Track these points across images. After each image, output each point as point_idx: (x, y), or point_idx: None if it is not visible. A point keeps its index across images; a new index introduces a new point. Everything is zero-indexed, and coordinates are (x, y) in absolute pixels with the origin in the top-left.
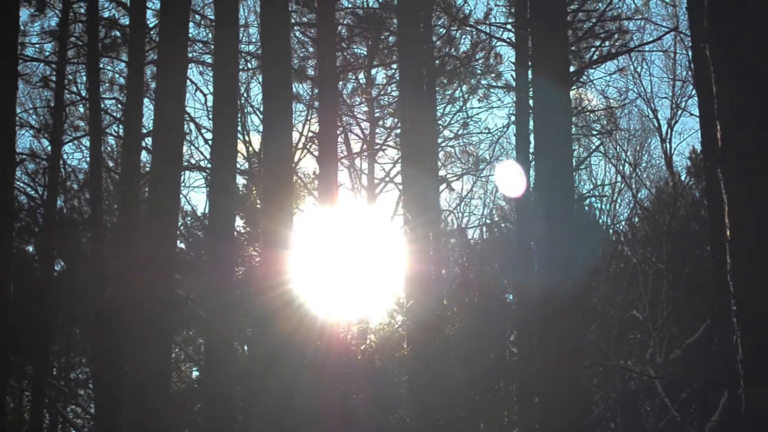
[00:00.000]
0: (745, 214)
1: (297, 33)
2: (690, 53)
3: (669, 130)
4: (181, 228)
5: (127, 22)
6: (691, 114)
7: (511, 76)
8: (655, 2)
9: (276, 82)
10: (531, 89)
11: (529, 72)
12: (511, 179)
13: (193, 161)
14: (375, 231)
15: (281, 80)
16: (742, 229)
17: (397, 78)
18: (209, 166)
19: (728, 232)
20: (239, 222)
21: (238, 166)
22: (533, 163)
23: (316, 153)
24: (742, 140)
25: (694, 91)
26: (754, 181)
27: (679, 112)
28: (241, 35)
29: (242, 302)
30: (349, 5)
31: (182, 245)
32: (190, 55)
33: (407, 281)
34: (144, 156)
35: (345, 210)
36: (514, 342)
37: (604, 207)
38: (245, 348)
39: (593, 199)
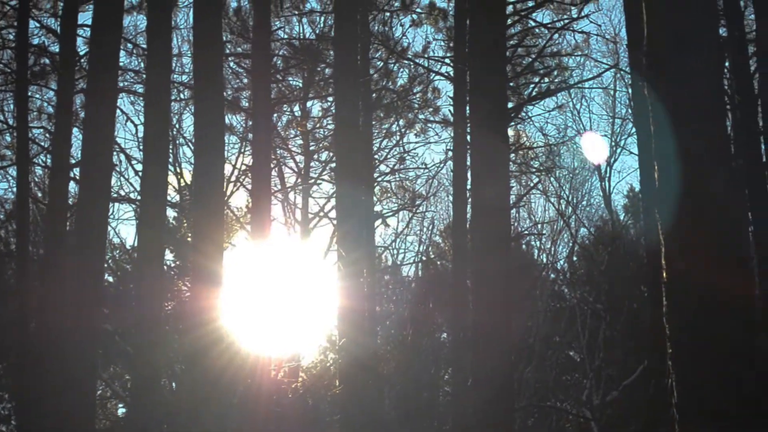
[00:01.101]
0: (680, 257)
1: (231, 63)
2: (630, 91)
3: (608, 169)
4: (109, 261)
5: (57, 50)
6: (630, 152)
7: (449, 110)
8: (596, 39)
9: (208, 114)
10: (469, 124)
11: (467, 107)
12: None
13: (122, 193)
14: (308, 266)
15: (214, 111)
16: (677, 271)
17: (333, 111)
18: (139, 198)
19: (664, 274)
20: (169, 256)
21: (168, 198)
22: (470, 199)
23: (249, 186)
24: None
25: (633, 129)
26: (690, 224)
27: (619, 150)
28: (174, 65)
29: (171, 338)
30: (285, 36)
31: (110, 279)
32: (121, 84)
33: (340, 318)
34: (72, 187)
35: (278, 245)
36: (448, 381)
37: (542, 245)
38: (173, 385)
39: (532, 237)
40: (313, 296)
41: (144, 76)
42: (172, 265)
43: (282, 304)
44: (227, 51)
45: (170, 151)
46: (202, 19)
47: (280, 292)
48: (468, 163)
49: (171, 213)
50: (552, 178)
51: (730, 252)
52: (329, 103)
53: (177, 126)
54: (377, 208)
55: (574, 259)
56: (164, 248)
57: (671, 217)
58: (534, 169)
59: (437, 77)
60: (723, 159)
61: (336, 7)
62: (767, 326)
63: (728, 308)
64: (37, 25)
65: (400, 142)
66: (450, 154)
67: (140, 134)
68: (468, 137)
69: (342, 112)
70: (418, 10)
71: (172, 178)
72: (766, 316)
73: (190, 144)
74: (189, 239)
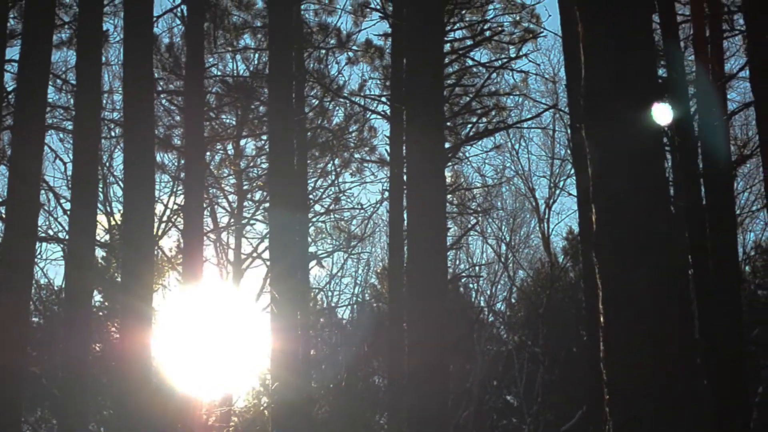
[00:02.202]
0: (618, 302)
1: (163, 101)
2: (569, 131)
3: (547, 210)
4: (36, 302)
5: None
6: (569, 194)
7: (386, 150)
8: (535, 78)
9: (138, 151)
10: (405, 164)
11: (404, 147)
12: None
13: (50, 232)
14: (241, 308)
15: (144, 149)
16: (614, 317)
17: (267, 149)
18: (67, 237)
19: (602, 319)
20: (98, 296)
21: (98, 238)
22: (406, 241)
23: (181, 226)
24: (617, 227)
25: (572, 170)
26: (628, 269)
27: (558, 192)
28: (104, 102)
29: (99, 381)
30: (219, 73)
31: (37, 320)
32: (49, 121)
33: (273, 361)
34: None
35: (210, 286)
36: (384, 426)
37: (480, 287)
38: (102, 430)
39: (470, 279)
40: (246, 338)
41: (73, 112)
42: (101, 306)
43: (214, 346)
44: (159, 88)
45: (100, 189)
46: (133, 55)
47: (212, 333)
48: (404, 203)
49: (100, 253)
50: (490, 219)
51: (669, 296)
52: (263, 142)
53: (107, 164)
54: (312, 248)
55: (513, 301)
56: (93, 289)
57: (609, 261)
58: (471, 210)
59: (374, 116)
60: (661, 201)
61: (270, 44)
62: (708, 370)
63: (665, 353)
64: None
65: (336, 182)
66: (386, 194)
67: (69, 172)
68: (405, 177)
69: (276, 151)
70: (355, 47)
71: (101, 218)
72: (707, 359)
73: (120, 182)
74: (118, 280)
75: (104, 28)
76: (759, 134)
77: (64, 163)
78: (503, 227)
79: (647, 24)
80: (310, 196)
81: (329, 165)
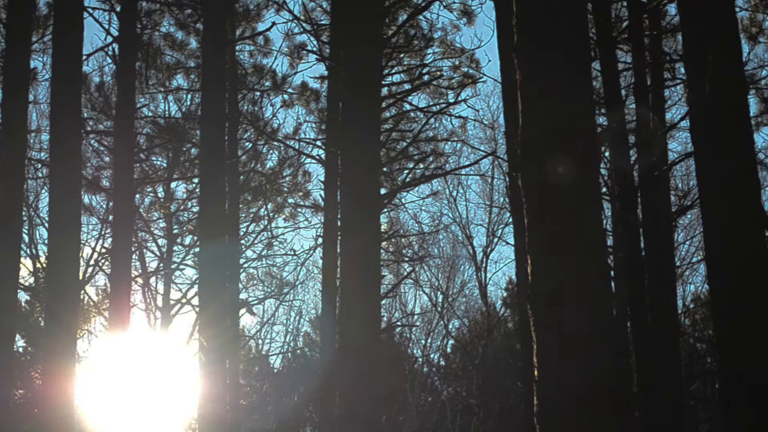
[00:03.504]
0: (552, 356)
1: (92, 141)
2: (507, 179)
3: (484, 259)
4: None
5: None
6: (507, 243)
7: (320, 195)
8: (474, 124)
9: (65, 193)
10: (340, 210)
11: (339, 192)
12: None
13: None
14: (169, 355)
15: (71, 190)
16: (548, 370)
17: (198, 193)
18: None
19: (536, 372)
20: (20, 341)
21: (21, 281)
22: (339, 288)
23: (108, 270)
24: (552, 279)
25: (510, 219)
26: (562, 323)
27: (496, 240)
28: (31, 141)
29: (20, 429)
30: (150, 114)
31: None
32: None
33: (201, 410)
34: None
35: (137, 332)
36: None
37: (415, 337)
38: None
39: (404, 328)
40: (174, 385)
41: None
42: (24, 351)
43: (141, 394)
44: (88, 128)
45: (25, 231)
46: (61, 94)
47: (139, 381)
48: (338, 250)
49: (23, 296)
50: (426, 267)
51: (606, 350)
52: (194, 185)
53: (33, 205)
54: (243, 295)
55: (448, 351)
56: (15, 333)
57: (544, 313)
58: (407, 258)
59: (308, 160)
60: (598, 253)
61: (203, 85)
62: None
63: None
64: None
65: (269, 227)
66: (320, 240)
67: None
68: (339, 223)
69: (207, 195)
70: (290, 90)
71: (26, 260)
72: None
73: (46, 224)
74: (42, 324)
75: (32, 66)
76: (699, 185)
77: None
78: (439, 275)
79: (586, 72)
80: (242, 241)
81: (262, 209)
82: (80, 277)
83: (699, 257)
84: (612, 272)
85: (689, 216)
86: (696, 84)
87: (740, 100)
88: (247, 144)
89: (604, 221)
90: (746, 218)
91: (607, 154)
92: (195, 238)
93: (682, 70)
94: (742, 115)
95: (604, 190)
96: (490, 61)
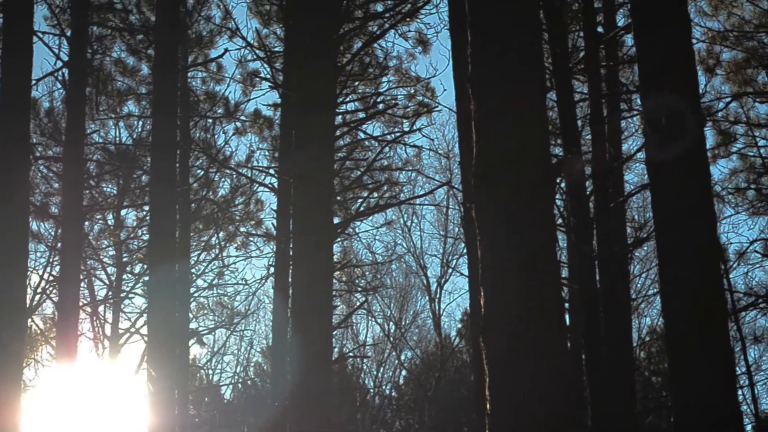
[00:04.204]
0: (504, 390)
1: (41, 167)
2: (462, 209)
3: (439, 289)
4: None
5: None
6: (462, 274)
7: (273, 224)
8: (428, 154)
9: (12, 219)
10: (292, 239)
11: (291, 221)
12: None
13: None
14: (117, 385)
15: (18, 217)
16: (500, 404)
17: (149, 220)
18: None
19: (488, 406)
20: None
21: None
22: (290, 319)
23: (56, 298)
24: (505, 312)
25: (465, 250)
26: (515, 357)
27: (450, 271)
28: None
29: None
30: (100, 140)
31: None
32: None
33: None
34: None
35: (85, 361)
36: None
37: (367, 367)
38: None
39: (357, 359)
40: (121, 416)
41: None
42: None
43: (88, 423)
44: (37, 153)
45: None
46: (9, 119)
47: (86, 411)
48: (290, 279)
49: None
50: (379, 297)
51: (559, 385)
52: (145, 212)
53: None
54: (193, 324)
55: (401, 382)
56: None
57: (496, 346)
58: (360, 288)
59: (261, 188)
60: (552, 286)
61: (155, 112)
62: None
63: None
64: None
65: (220, 256)
66: (272, 269)
67: None
68: (291, 252)
69: (158, 223)
70: (243, 117)
71: None
72: None
73: None
74: None
75: None
76: (654, 217)
77: None
78: (392, 305)
79: (541, 103)
80: (193, 270)
81: (213, 238)
82: (27, 305)
83: (655, 290)
84: (567, 304)
85: (645, 248)
86: (651, 116)
87: (697, 131)
88: (198, 171)
89: (560, 252)
90: (701, 251)
91: (562, 184)
92: (145, 266)
93: (639, 102)
94: (698, 146)
95: (559, 221)
96: (445, 90)
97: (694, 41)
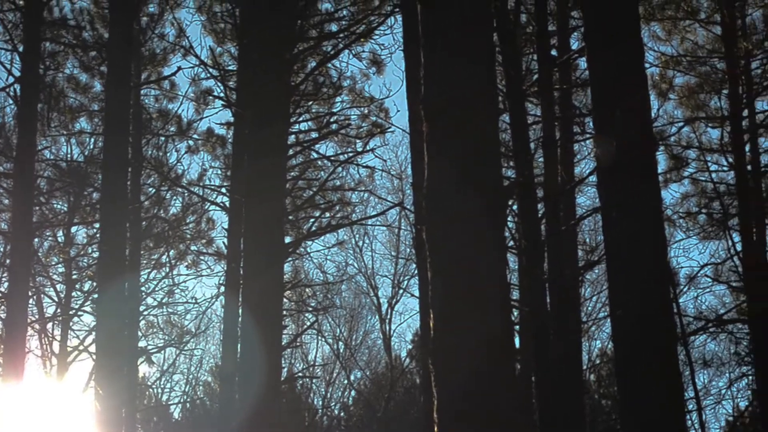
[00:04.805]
0: (451, 413)
1: None
2: (414, 230)
3: (389, 310)
4: None
5: None
6: (412, 294)
7: (224, 243)
8: (381, 174)
9: None
10: (243, 259)
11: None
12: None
13: None
14: (65, 404)
15: None
16: (448, 428)
17: (99, 238)
18: None
19: (436, 428)
20: None
21: None
22: (240, 338)
23: (4, 315)
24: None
25: (416, 270)
26: (463, 381)
27: (401, 292)
28: None
29: None
30: (51, 156)
31: None
32: None
33: None
34: None
35: (33, 379)
36: None
37: (316, 387)
38: None
39: (306, 379)
40: None
41: None
42: None
43: None
44: None
45: None
46: None
47: (32, 429)
48: (240, 299)
49: None
50: (329, 317)
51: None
52: (95, 230)
53: None
54: (142, 343)
55: (350, 403)
56: None
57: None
58: (311, 308)
59: (212, 207)
60: (501, 308)
61: (106, 129)
62: None
63: None
64: None
65: (170, 274)
66: (222, 288)
67: None
68: (241, 271)
69: (108, 240)
70: (195, 136)
71: None
72: None
73: None
74: None
75: None
76: (605, 241)
77: None
78: (341, 325)
79: (493, 125)
80: (143, 288)
81: (164, 256)
82: None
83: (605, 313)
84: (517, 326)
85: (596, 271)
86: (603, 139)
87: (648, 156)
88: (150, 189)
89: (511, 275)
90: (652, 275)
91: (514, 207)
92: (94, 283)
93: (592, 125)
94: (649, 171)
95: (511, 243)
96: (399, 110)
97: (647, 65)
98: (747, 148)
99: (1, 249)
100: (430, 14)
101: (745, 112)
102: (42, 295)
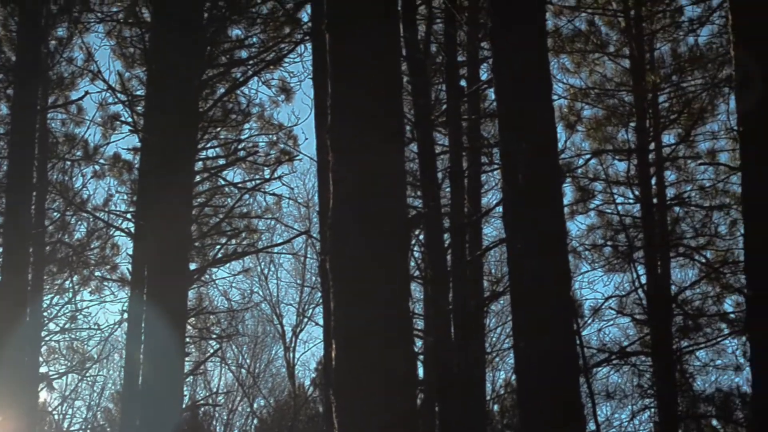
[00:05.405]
0: None
1: None
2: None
3: (294, 338)
4: None
5: None
6: (317, 323)
7: (128, 269)
8: (288, 202)
9: None
10: (146, 285)
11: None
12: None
13: None
14: None
15: None
16: None
17: (1, 262)
18: None
19: None
20: None
21: None
22: (141, 365)
23: None
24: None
25: (321, 299)
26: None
27: (306, 320)
28: None
29: None
30: None
31: None
32: None
33: None
34: None
35: None
36: None
37: (218, 415)
38: None
39: (208, 406)
40: None
41: None
42: None
43: None
44: None
45: None
46: None
47: None
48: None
49: None
50: (232, 345)
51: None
52: None
53: None
54: (43, 369)
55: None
56: None
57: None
58: (215, 335)
59: (117, 233)
60: (402, 340)
61: (11, 152)
62: None
63: None
64: None
65: (73, 300)
66: (125, 315)
67: None
68: (145, 298)
69: (10, 265)
70: (102, 161)
71: None
72: None
73: None
74: None
75: None
76: (509, 272)
77: None
78: (245, 353)
79: (399, 156)
80: (45, 314)
81: (67, 282)
82: None
83: (510, 344)
84: (421, 356)
85: (501, 302)
86: (509, 171)
87: (554, 188)
88: (55, 214)
89: (416, 304)
90: (555, 307)
91: (421, 237)
92: None
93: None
94: (555, 203)
95: (416, 273)
96: (307, 138)
97: (555, 97)
98: (653, 181)
99: None
100: (338, 43)
101: (652, 145)
102: None
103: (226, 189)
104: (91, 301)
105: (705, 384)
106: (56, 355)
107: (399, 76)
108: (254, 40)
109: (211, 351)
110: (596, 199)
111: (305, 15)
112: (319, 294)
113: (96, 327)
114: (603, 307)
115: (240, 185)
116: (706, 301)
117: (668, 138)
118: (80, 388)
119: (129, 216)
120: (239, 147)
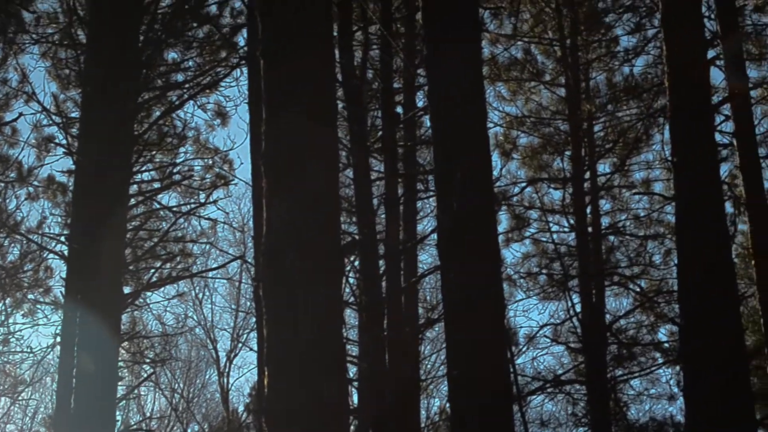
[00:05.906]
0: None
1: None
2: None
3: (228, 363)
4: None
5: None
6: (251, 349)
7: (61, 292)
8: (223, 227)
9: None
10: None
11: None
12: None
13: None
14: None
15: None
16: None
17: None
18: None
19: None
20: None
21: None
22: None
23: None
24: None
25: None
26: None
27: (240, 345)
28: None
29: None
30: None
31: None
32: None
33: None
34: None
35: None
36: None
37: None
38: None
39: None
40: None
41: None
42: None
43: None
44: None
45: None
46: None
47: None
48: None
49: None
50: (166, 369)
51: None
52: None
53: None
54: None
55: None
56: None
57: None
58: (148, 360)
59: (51, 255)
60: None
61: None
62: None
63: None
64: None
65: (5, 323)
66: (59, 338)
67: None
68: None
69: None
70: (36, 183)
71: None
72: None
73: None
74: None
75: None
76: (443, 299)
77: None
78: (178, 377)
79: (333, 182)
80: None
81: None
82: None
83: (445, 370)
84: (355, 383)
85: (436, 329)
86: (444, 198)
87: (488, 216)
88: None
89: (350, 331)
90: (489, 335)
91: (356, 263)
92: None
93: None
94: (489, 231)
95: (351, 299)
96: (242, 163)
97: (491, 125)
98: (588, 209)
99: None
100: (272, 69)
101: (587, 174)
102: None
103: (161, 213)
104: (23, 324)
105: (639, 413)
106: None
107: (334, 103)
108: (190, 63)
109: (145, 375)
110: (531, 228)
111: (242, 39)
112: (254, 319)
113: (29, 350)
114: (538, 335)
115: (175, 209)
116: (640, 330)
117: (603, 167)
118: (12, 412)
119: (63, 239)
120: (174, 170)
